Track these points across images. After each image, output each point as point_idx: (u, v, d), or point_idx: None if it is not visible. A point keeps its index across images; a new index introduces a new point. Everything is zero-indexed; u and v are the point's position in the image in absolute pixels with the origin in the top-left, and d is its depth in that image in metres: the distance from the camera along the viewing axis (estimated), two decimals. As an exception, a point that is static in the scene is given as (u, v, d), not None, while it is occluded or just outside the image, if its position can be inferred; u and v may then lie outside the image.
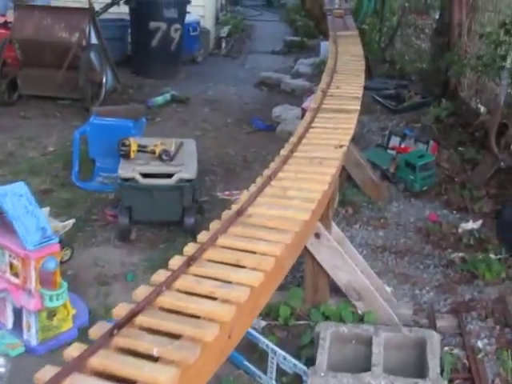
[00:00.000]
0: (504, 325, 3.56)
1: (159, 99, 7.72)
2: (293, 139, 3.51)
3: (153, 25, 8.51)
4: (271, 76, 8.86)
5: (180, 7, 8.62)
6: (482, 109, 6.05)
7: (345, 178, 5.32)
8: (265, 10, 15.76)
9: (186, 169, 4.53)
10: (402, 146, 5.77)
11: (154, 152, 4.64)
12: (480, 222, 4.81)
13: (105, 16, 8.63)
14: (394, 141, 5.85)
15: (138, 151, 4.68)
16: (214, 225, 2.46)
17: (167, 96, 7.84)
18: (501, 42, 5.32)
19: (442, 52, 6.98)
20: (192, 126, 7.08)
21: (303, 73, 9.02)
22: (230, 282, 2.06)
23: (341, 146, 3.38)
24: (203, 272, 2.11)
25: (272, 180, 2.93)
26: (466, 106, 6.45)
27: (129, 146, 4.59)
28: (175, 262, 2.14)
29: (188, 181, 4.49)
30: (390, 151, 5.66)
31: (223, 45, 11.18)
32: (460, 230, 4.74)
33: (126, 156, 4.60)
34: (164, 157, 4.57)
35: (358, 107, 4.11)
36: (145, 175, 4.48)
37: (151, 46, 8.61)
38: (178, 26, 8.64)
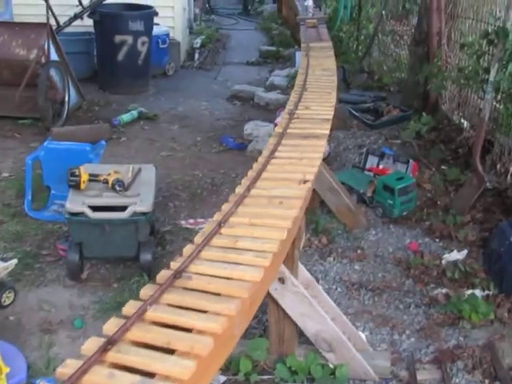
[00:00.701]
0: (493, 378, 3.15)
1: (126, 117, 7.30)
2: (252, 172, 3.11)
3: (118, 38, 8.09)
4: (244, 89, 8.45)
5: (146, 19, 8.20)
6: (465, 124, 5.68)
7: (318, 203, 4.93)
8: (241, 19, 15.36)
9: (142, 200, 4.10)
10: (380, 166, 5.38)
11: (106, 182, 4.21)
12: (465, 251, 4.41)
13: (70, 29, 8.22)
14: (372, 161, 5.46)
15: (90, 181, 4.24)
16: (145, 290, 2.05)
17: (134, 113, 7.42)
18: (483, 53, 4.94)
19: (420, 63, 6.62)
20: (159, 146, 6.66)
21: (278, 85, 8.63)
22: (153, 376, 1.66)
23: (305, 182, 2.97)
24: (121, 361, 1.70)
25: (222, 227, 2.51)
26: (447, 120, 6.08)
27: (79, 175, 4.16)
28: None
29: (143, 214, 4.06)
30: (367, 172, 5.25)
31: (196, 56, 10.77)
32: (443, 262, 4.34)
33: (76, 187, 4.17)
34: (117, 187, 4.14)
35: (327, 131, 3.71)
36: (96, 208, 4.05)
37: (117, 60, 8.18)
38: (144, 38, 8.22)
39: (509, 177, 4.82)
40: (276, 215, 2.62)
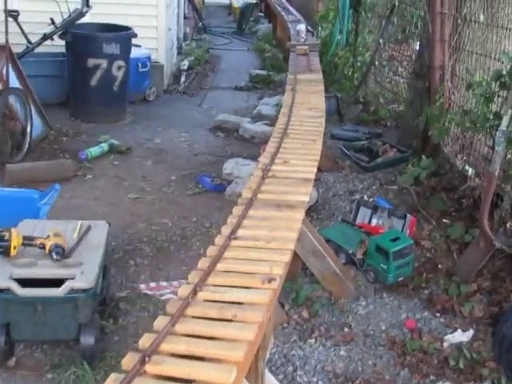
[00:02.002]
0: None
1: (94, 150, 6.61)
2: (202, 264, 2.41)
3: (91, 62, 7.42)
4: (229, 119, 7.77)
5: (123, 42, 7.54)
6: (470, 171, 4.99)
7: (300, 268, 4.23)
8: (235, 38, 14.72)
9: (84, 273, 3.39)
10: (373, 221, 4.69)
11: (43, 247, 3.50)
12: (471, 332, 3.72)
13: (42, 49, 7.58)
14: (364, 214, 4.77)
15: (24, 245, 3.54)
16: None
17: (104, 146, 6.73)
18: (493, 96, 4.26)
19: (420, 98, 5.95)
20: (127, 186, 5.97)
21: (266, 115, 7.94)
22: None
23: (270, 281, 2.27)
24: None
25: (147, 362, 1.82)
26: (450, 164, 5.40)
27: (9, 240, 3.46)
28: None
29: (84, 290, 3.35)
30: (358, 229, 4.55)
31: (182, 79, 10.10)
32: (445, 345, 3.65)
33: (5, 253, 3.47)
34: (54, 255, 3.44)
35: (307, 197, 3.03)
36: (27, 282, 3.34)
37: (90, 85, 7.51)
38: (121, 62, 7.55)
39: (522, 239, 4.12)
40: (228, 337, 1.92)
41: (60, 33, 7.40)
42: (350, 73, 8.78)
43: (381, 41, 7.26)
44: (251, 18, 16.09)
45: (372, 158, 5.97)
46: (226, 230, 2.67)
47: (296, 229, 2.70)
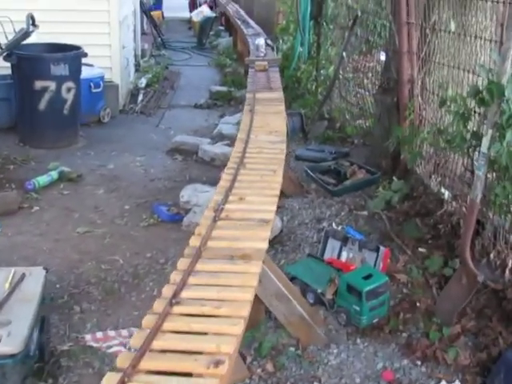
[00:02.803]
0: None
1: (42, 179, 6.12)
2: (135, 341, 1.96)
3: (38, 84, 6.92)
4: (187, 141, 7.32)
5: (72, 62, 7.06)
6: (446, 194, 4.60)
7: (263, 312, 3.78)
8: (195, 53, 14.25)
9: (11, 334, 2.92)
10: (343, 254, 4.28)
11: (-35, 304, 3.03)
12: (457, 383, 3.30)
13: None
14: (333, 246, 4.36)
15: None
16: None
17: (53, 174, 6.25)
18: (470, 113, 3.87)
19: (389, 114, 5.57)
20: (77, 218, 5.49)
21: (227, 134, 7.50)
22: None
23: (217, 365, 1.83)
24: None
25: None
26: (423, 187, 5.00)
27: None
28: None
29: (13, 355, 2.88)
30: (327, 265, 4.13)
31: (139, 98, 9.63)
32: (429, 400, 3.22)
33: None
34: (-24, 316, 2.96)
35: (265, 245, 2.59)
36: None
37: (38, 109, 7.01)
38: (70, 84, 7.06)
39: (507, 272, 3.72)
40: None
41: (4, 54, 6.88)
42: (314, 87, 8.38)
43: (344, 54, 6.87)
44: (211, 32, 15.66)
45: (339, 180, 5.57)
46: (167, 291, 2.22)
47: (251, 287, 2.26)
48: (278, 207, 5.21)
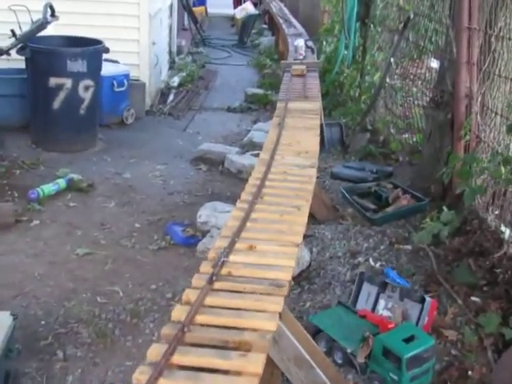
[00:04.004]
0: None
1: (48, 188, 5.53)
2: None
3: (53, 81, 6.33)
4: (214, 150, 6.65)
5: (91, 58, 6.44)
6: (507, 232, 3.84)
7: (279, 377, 3.06)
8: (235, 51, 13.60)
9: None
10: (380, 302, 3.55)
11: None
12: None
13: (1, 65, 6.53)
14: (368, 292, 3.64)
15: None
16: None
17: (61, 183, 5.64)
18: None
19: (441, 133, 4.82)
20: (79, 237, 4.87)
21: (258, 143, 6.76)
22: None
23: None
24: None
25: None
26: (479, 220, 4.23)
27: None
28: None
29: None
30: (360, 317, 3.41)
31: (170, 98, 9.00)
32: None
33: None
34: None
35: (274, 327, 1.89)
36: None
37: (52, 108, 6.42)
38: (88, 82, 6.45)
39: None
40: None
41: (18, 47, 6.30)
42: (357, 94, 7.63)
43: (392, 60, 6.11)
44: (254, 31, 14.98)
45: (380, 205, 4.83)
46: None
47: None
48: (308, 236, 4.53)
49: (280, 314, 2.24)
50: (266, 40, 14.00)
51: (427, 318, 3.43)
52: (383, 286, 3.60)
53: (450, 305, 3.72)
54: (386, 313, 3.51)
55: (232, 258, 2.30)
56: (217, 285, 2.09)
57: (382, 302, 3.56)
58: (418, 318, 3.42)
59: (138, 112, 7.78)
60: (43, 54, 6.30)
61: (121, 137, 7.18)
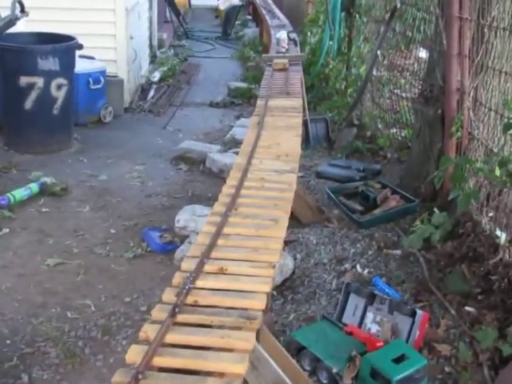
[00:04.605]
0: None
1: (20, 193, 5.24)
2: None
3: (24, 80, 6.04)
4: (194, 148, 6.38)
5: (63, 55, 6.15)
6: (503, 237, 3.59)
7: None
8: (219, 44, 13.31)
9: None
10: (368, 315, 3.30)
11: None
12: None
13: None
14: (355, 304, 3.39)
15: None
16: None
17: (33, 187, 5.36)
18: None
19: (431, 128, 4.57)
20: (50, 245, 4.60)
21: (240, 140, 6.45)
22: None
23: None
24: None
25: None
26: (472, 223, 3.98)
27: None
28: None
29: None
30: (346, 334, 3.15)
31: (151, 94, 8.71)
32: None
33: None
34: None
35: (251, 345, 1.63)
36: None
37: (24, 108, 6.13)
38: (61, 80, 6.16)
39: None
40: None
41: (-13, 45, 6.01)
42: (343, 87, 7.37)
43: (379, 52, 5.85)
44: (238, 22, 14.68)
45: (368, 207, 4.58)
46: None
47: None
48: (291, 241, 4.28)
49: (257, 334, 2.00)
50: (251, 31, 13.70)
51: (418, 332, 3.18)
52: (371, 298, 3.35)
53: (442, 316, 3.48)
54: (374, 326, 3.26)
55: (200, 282, 2.04)
56: (180, 317, 1.83)
57: (369, 315, 3.32)
58: (409, 333, 3.18)
59: (116, 110, 7.51)
60: (12, 52, 6.00)
61: (98, 136, 6.90)
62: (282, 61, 5.65)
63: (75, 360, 3.38)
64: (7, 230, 4.79)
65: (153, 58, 10.37)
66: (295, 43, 6.65)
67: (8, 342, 3.51)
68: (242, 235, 2.38)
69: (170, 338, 1.76)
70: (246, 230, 2.43)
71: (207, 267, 2.14)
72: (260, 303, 1.92)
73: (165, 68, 9.90)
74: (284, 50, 6.30)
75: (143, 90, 8.81)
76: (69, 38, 6.28)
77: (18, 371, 3.29)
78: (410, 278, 3.86)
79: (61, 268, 4.29)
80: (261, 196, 2.76)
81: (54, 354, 3.43)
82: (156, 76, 9.38)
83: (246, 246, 2.30)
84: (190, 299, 1.94)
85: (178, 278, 2.06)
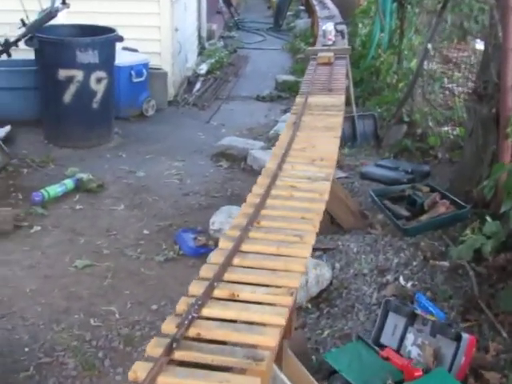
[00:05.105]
0: None
1: (54, 189, 5.14)
2: None
3: (63, 73, 5.90)
4: (235, 144, 6.16)
5: (103, 47, 5.99)
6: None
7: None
8: (270, 35, 13.02)
9: None
10: (408, 337, 3.01)
11: None
12: None
13: (13, 56, 6.12)
14: (394, 323, 3.10)
15: None
16: None
17: (68, 183, 5.23)
18: None
19: (484, 128, 4.23)
20: (81, 246, 4.45)
21: (285, 137, 6.24)
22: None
23: None
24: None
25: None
26: (528, 233, 3.64)
27: None
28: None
29: None
30: (382, 359, 2.88)
31: (197, 86, 8.51)
32: None
33: None
34: None
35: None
36: None
37: (63, 102, 6.00)
38: (101, 73, 6.01)
39: None
40: None
41: (27, 38, 5.87)
42: (394, 81, 7.03)
43: (430, 46, 5.50)
44: (290, 13, 14.35)
45: (414, 212, 4.26)
46: None
47: None
48: (330, 249, 4.01)
49: (279, 359, 1.76)
50: (302, 22, 13.35)
51: (464, 357, 2.88)
52: (412, 318, 3.06)
53: (492, 338, 3.17)
54: (414, 349, 2.98)
55: (206, 311, 1.80)
56: (177, 354, 1.60)
57: (410, 337, 3.03)
58: (453, 359, 2.88)
59: (159, 103, 7.33)
60: (51, 44, 5.86)
61: (139, 131, 6.73)
62: (327, 54, 5.36)
63: (93, 373, 3.20)
64: (39, 228, 4.66)
65: (201, 50, 10.17)
66: (342, 35, 6.34)
67: (26, 349, 3.36)
68: (261, 253, 2.13)
69: (162, 381, 1.52)
70: (266, 247, 2.18)
71: (217, 292, 1.90)
72: (271, 339, 1.67)
73: (212, 60, 9.69)
74: (330, 43, 6.01)
75: (189, 82, 8.61)
76: (109, 30, 6.11)
77: (33, 382, 3.12)
78: (458, 294, 3.56)
79: (88, 271, 4.12)
80: (288, 207, 2.50)
81: (72, 364, 3.26)
82: (203, 68, 9.17)
83: (263, 266, 2.05)
84: (192, 331, 1.70)
85: (182, 305, 1.83)
